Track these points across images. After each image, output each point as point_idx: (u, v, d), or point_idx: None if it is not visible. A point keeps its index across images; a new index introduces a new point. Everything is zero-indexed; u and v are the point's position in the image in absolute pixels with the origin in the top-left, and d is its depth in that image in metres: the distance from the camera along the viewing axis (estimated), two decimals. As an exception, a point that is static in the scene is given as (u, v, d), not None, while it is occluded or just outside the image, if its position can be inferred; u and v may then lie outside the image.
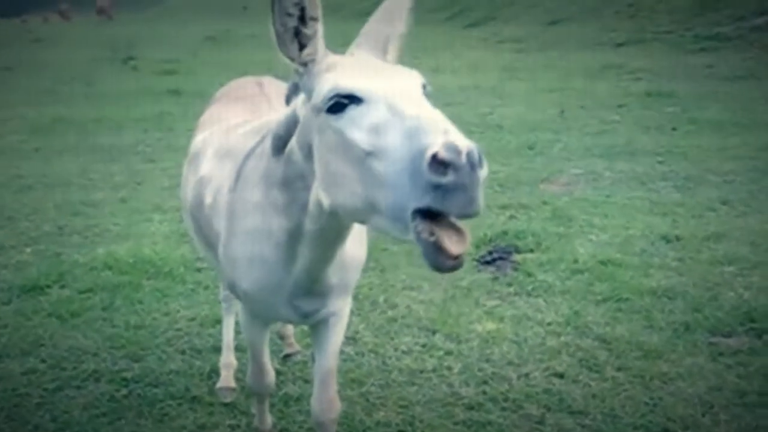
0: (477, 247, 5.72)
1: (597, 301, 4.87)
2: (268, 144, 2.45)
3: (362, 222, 1.98)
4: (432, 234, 1.74)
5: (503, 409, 3.78)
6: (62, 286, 5.21)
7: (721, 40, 17.66)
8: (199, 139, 3.33)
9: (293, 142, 2.26)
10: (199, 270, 5.45)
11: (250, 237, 2.53)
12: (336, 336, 2.98)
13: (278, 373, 3.77)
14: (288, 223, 2.38)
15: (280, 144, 2.36)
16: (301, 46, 2.12)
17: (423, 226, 1.74)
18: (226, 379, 3.99)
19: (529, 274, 5.30)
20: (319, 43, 2.13)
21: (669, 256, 5.58)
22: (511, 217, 6.49)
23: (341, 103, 1.93)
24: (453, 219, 1.78)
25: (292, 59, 2.12)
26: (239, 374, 4.03)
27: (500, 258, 5.55)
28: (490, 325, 4.59)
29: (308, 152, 2.16)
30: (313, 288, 2.61)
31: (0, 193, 7.71)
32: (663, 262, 5.46)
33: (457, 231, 1.78)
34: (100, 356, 4.30)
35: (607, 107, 11.59)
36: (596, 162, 8.39)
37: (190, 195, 3.11)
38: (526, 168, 8.14)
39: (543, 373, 4.09)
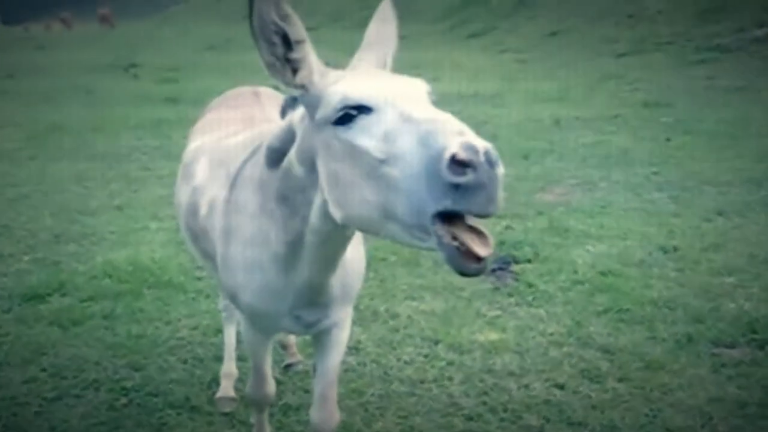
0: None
1: (598, 312, 4.86)
2: (262, 155, 2.44)
3: (376, 233, 1.96)
4: (454, 238, 1.74)
5: (502, 419, 3.77)
6: (63, 295, 5.20)
7: (721, 51, 17.75)
8: (192, 148, 3.32)
9: (292, 157, 2.25)
10: (199, 278, 5.45)
11: (247, 248, 2.52)
12: (338, 349, 2.97)
13: (278, 382, 3.75)
14: (287, 235, 2.37)
15: (275, 156, 2.35)
16: (294, 70, 2.11)
17: (444, 230, 1.74)
18: (226, 388, 3.98)
19: (530, 285, 5.30)
20: (312, 63, 2.12)
21: (668, 267, 5.58)
22: (507, 227, 6.49)
23: (350, 114, 1.92)
24: (471, 222, 1.79)
25: (288, 84, 2.12)
26: (239, 384, 4.02)
27: (500, 268, 5.55)
28: (493, 336, 4.59)
29: (311, 167, 2.15)
30: (314, 298, 2.60)
31: (-4, 201, 7.71)
32: (662, 273, 5.46)
33: (479, 234, 1.79)
34: (101, 365, 4.29)
35: (604, 117, 11.61)
36: (592, 172, 8.41)
37: (185, 204, 3.10)
38: (521, 177, 8.14)
39: (544, 383, 4.08)
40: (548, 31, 24.33)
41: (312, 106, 2.08)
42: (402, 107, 1.87)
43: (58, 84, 16.93)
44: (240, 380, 4.03)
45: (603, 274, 5.42)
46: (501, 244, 5.97)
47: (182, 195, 3.16)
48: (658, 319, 4.73)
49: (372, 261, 4.82)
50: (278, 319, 2.67)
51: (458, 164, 1.65)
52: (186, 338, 4.63)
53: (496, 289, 5.25)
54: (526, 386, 4.06)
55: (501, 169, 1.68)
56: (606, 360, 4.29)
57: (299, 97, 2.15)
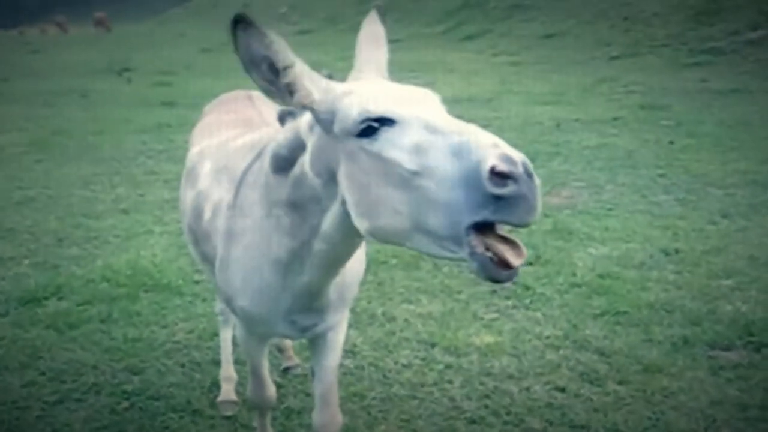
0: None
1: (595, 315, 4.87)
2: (266, 161, 2.43)
3: (401, 244, 1.95)
4: (487, 249, 1.78)
5: (505, 423, 3.78)
6: (60, 298, 5.19)
7: (716, 54, 17.79)
8: (194, 153, 3.32)
9: (306, 168, 2.21)
10: (196, 282, 5.45)
11: (248, 254, 2.52)
12: (335, 350, 2.98)
13: (279, 386, 3.76)
14: (293, 242, 2.36)
15: (282, 164, 2.33)
16: (291, 93, 2.09)
17: (477, 240, 1.77)
18: (227, 392, 3.98)
19: (528, 288, 5.30)
20: (307, 84, 2.09)
21: (667, 270, 5.59)
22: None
23: (372, 126, 1.92)
24: (501, 231, 1.83)
25: (290, 106, 2.12)
26: (240, 387, 4.02)
27: (501, 271, 5.53)
28: (489, 339, 4.59)
29: (329, 178, 2.12)
30: (311, 304, 2.61)
31: (1, 205, 7.70)
32: (661, 276, 5.47)
33: (511, 243, 1.83)
34: (99, 369, 4.28)
35: (603, 121, 11.63)
36: (597, 175, 8.42)
37: (189, 209, 3.11)
38: (526, 182, 8.12)
39: (544, 386, 4.08)
40: (542, 34, 24.37)
41: (326, 121, 2.06)
42: (425, 118, 1.89)
43: (53, 87, 16.91)
44: (241, 384, 4.03)
45: (601, 276, 5.43)
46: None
47: (187, 199, 3.16)
48: (654, 322, 4.74)
49: (371, 264, 4.82)
50: (274, 323, 2.67)
51: (499, 176, 1.69)
52: (182, 342, 4.63)
53: (494, 292, 5.25)
54: (527, 389, 4.06)
55: (538, 180, 1.73)
56: (603, 363, 4.30)
57: (312, 112, 2.12)
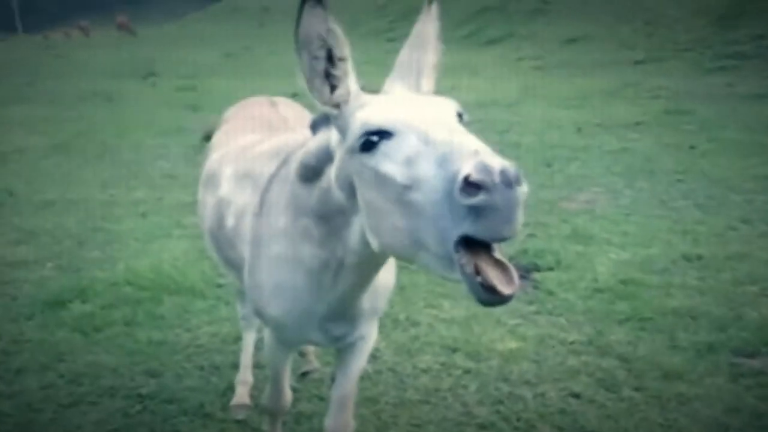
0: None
1: (619, 321, 4.82)
2: (293, 169, 2.41)
3: (411, 262, 1.90)
4: (477, 272, 1.69)
5: (516, 429, 3.75)
6: (84, 301, 5.22)
7: (740, 58, 17.64)
8: (215, 159, 3.31)
9: (332, 180, 2.19)
10: (219, 286, 5.46)
11: (278, 264, 2.49)
12: (361, 359, 2.96)
13: (293, 390, 3.73)
14: (324, 253, 2.34)
15: (309, 174, 2.31)
16: (333, 87, 2.07)
17: (466, 259, 1.69)
18: (241, 396, 3.98)
19: (550, 293, 5.27)
20: (351, 83, 2.08)
21: (690, 276, 5.53)
22: (531, 235, 6.46)
23: (371, 140, 1.88)
24: (498, 255, 1.73)
25: (324, 102, 2.07)
26: (254, 391, 4.02)
27: (521, 276, 5.50)
28: (512, 344, 4.56)
29: (350, 192, 2.09)
30: (343, 313, 2.58)
31: (22, 208, 7.79)
32: (684, 282, 5.41)
33: (504, 269, 1.73)
34: (118, 372, 4.31)
35: (625, 125, 11.56)
36: (616, 180, 8.37)
37: (210, 216, 3.10)
38: (545, 186, 8.11)
39: (559, 392, 4.05)
40: (565, 38, 24.28)
41: (342, 132, 2.05)
42: (421, 129, 1.82)
43: (77, 91, 17.08)
44: (255, 387, 4.04)
45: (623, 282, 5.38)
46: (523, 252, 5.95)
47: (207, 206, 3.15)
48: (679, 328, 4.69)
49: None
50: (306, 332, 2.65)
51: (471, 185, 1.60)
52: (205, 345, 4.64)
53: (517, 297, 5.21)
54: (542, 395, 4.03)
55: (522, 189, 1.63)
56: (624, 369, 4.26)
57: (332, 118, 2.11)
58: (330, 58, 2.05)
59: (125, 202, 7.98)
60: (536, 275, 5.59)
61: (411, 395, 4.07)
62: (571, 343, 4.59)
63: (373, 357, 4.41)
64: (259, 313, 2.74)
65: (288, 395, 3.31)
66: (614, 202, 7.54)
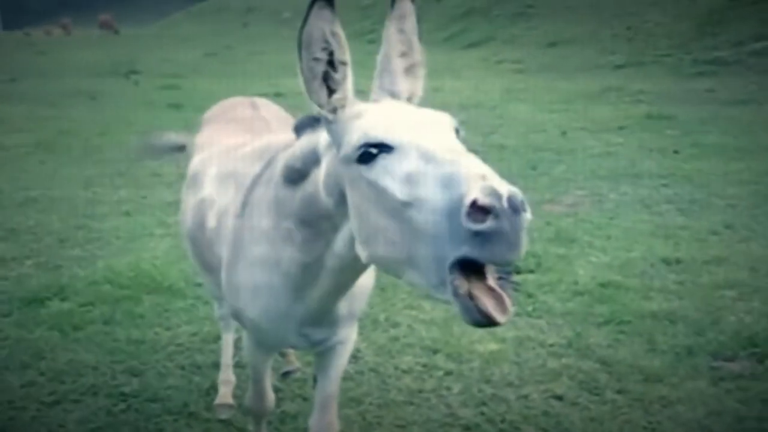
0: (478, 267, 5.71)
1: (598, 324, 4.86)
2: (277, 172, 2.39)
3: (399, 277, 1.87)
4: (470, 296, 1.67)
5: (501, 430, 3.76)
6: (63, 299, 5.19)
7: (720, 64, 17.82)
8: (197, 161, 3.29)
9: (319, 186, 2.17)
10: (199, 285, 5.43)
11: (257, 266, 2.47)
12: (341, 361, 2.95)
13: (276, 390, 3.74)
14: (305, 257, 2.32)
15: (294, 176, 2.29)
16: (330, 91, 2.06)
17: (460, 281, 1.67)
18: (225, 395, 3.96)
19: (530, 295, 5.29)
20: (348, 89, 2.07)
21: (669, 279, 5.57)
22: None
23: (370, 152, 1.86)
24: (491, 282, 1.71)
25: (321, 105, 2.05)
26: (237, 391, 4.01)
27: (501, 278, 5.50)
28: (492, 346, 4.58)
29: (339, 199, 2.07)
30: (322, 318, 2.57)
31: (4, 205, 7.73)
32: (663, 285, 5.46)
33: (497, 296, 1.70)
34: (99, 370, 4.28)
35: (609, 129, 11.65)
36: (600, 184, 8.42)
37: (190, 217, 3.08)
38: (529, 189, 8.14)
39: (542, 395, 4.07)
40: (546, 42, 24.42)
41: (337, 139, 2.03)
42: (424, 146, 1.80)
43: (60, 89, 16.97)
44: (238, 387, 4.03)
45: (603, 285, 5.42)
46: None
47: (188, 205, 3.13)
48: (657, 331, 4.73)
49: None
50: (285, 336, 2.64)
51: (479, 210, 1.58)
52: (185, 344, 4.63)
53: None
54: (525, 397, 4.05)
55: (527, 215, 1.61)
56: (605, 372, 4.28)
57: (327, 125, 2.08)
58: (331, 62, 2.04)
59: (109, 200, 7.94)
60: (516, 277, 5.61)
61: (394, 396, 4.07)
62: (551, 345, 4.61)
63: (354, 357, 4.40)
64: (236, 315, 2.72)
65: (270, 396, 3.29)
66: (598, 206, 7.59)
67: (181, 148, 4.13)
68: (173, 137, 4.26)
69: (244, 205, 2.56)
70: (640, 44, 21.18)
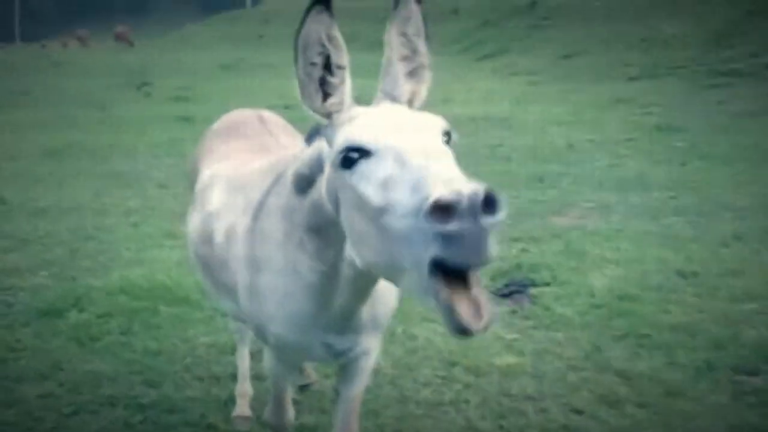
0: (493, 279, 5.71)
1: (617, 337, 4.82)
2: (288, 181, 2.39)
3: (395, 283, 1.86)
4: (451, 304, 1.64)
5: (519, 444, 3.74)
6: (80, 310, 5.20)
7: (735, 75, 17.72)
8: (206, 175, 3.26)
9: (323, 192, 2.17)
10: (215, 296, 5.44)
11: (277, 278, 2.46)
12: (364, 374, 2.93)
13: (295, 402, 3.71)
14: (322, 266, 2.32)
15: (303, 184, 2.30)
16: (326, 96, 2.06)
17: (440, 285, 1.64)
18: (242, 407, 3.95)
19: (547, 308, 5.27)
20: (345, 93, 2.06)
21: (687, 292, 5.53)
22: (524, 249, 6.47)
23: (351, 157, 1.85)
24: (474, 291, 1.68)
25: (315, 110, 2.06)
26: (255, 402, 3.99)
27: (517, 291, 5.52)
28: (510, 359, 4.55)
29: (336, 205, 2.07)
30: (345, 325, 2.55)
31: (14, 215, 7.78)
32: (681, 298, 5.41)
33: (476, 304, 1.66)
34: (117, 381, 4.28)
35: (617, 141, 11.61)
36: (608, 195, 8.39)
37: (197, 231, 3.06)
38: (536, 200, 8.14)
39: (561, 408, 4.03)
40: (560, 54, 24.36)
41: (331, 144, 2.03)
42: (401, 151, 1.78)
43: (72, 100, 17.08)
44: (255, 399, 4.01)
45: (621, 298, 5.38)
46: (517, 266, 5.95)
47: (194, 222, 3.11)
48: (677, 345, 4.68)
49: (389, 282, 4.80)
50: (309, 348, 2.62)
51: (441, 210, 1.56)
52: (203, 356, 4.62)
53: (514, 312, 5.23)
54: (544, 410, 4.01)
55: (495, 217, 1.57)
56: (624, 385, 4.25)
57: (322, 128, 2.10)
58: (327, 66, 2.05)
59: (117, 211, 7.99)
60: (533, 290, 5.58)
61: (413, 408, 4.05)
62: (569, 358, 4.58)
63: (373, 370, 4.38)
64: (260, 333, 2.70)
65: (291, 412, 3.27)
66: (606, 218, 7.55)
67: None
68: None
69: (255, 219, 2.55)
70: (655, 55, 21.13)
